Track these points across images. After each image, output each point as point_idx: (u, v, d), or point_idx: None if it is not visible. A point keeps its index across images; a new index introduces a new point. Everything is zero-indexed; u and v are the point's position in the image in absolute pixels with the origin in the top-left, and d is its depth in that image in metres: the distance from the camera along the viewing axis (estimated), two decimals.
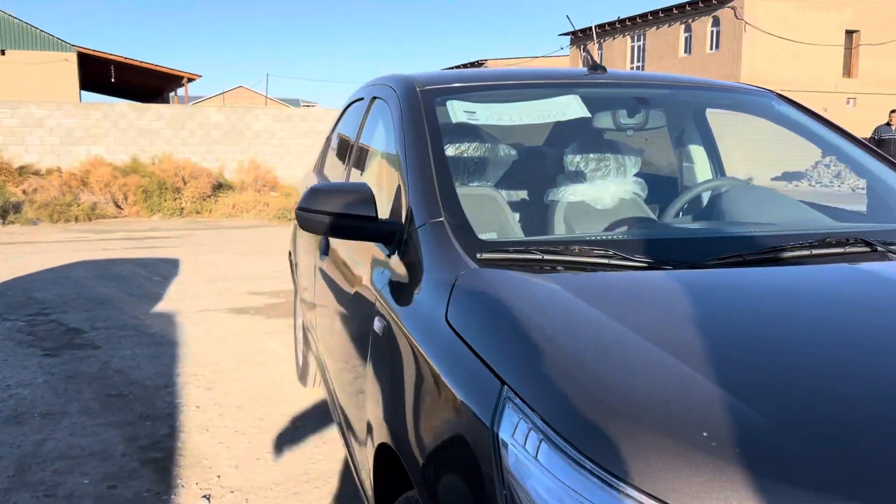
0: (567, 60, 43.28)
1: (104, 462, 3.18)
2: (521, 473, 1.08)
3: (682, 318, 1.35)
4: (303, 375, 4.05)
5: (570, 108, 2.37)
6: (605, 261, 1.64)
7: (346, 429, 2.34)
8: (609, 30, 38.27)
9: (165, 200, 13.44)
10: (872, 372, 1.20)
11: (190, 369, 4.46)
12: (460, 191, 2.47)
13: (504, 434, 1.14)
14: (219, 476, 3.08)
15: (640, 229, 2.24)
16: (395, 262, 1.89)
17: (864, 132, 28.89)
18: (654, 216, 2.68)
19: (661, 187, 3.07)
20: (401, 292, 1.76)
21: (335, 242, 2.61)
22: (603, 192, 2.63)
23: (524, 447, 1.10)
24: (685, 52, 34.04)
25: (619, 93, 2.67)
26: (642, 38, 36.54)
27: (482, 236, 1.81)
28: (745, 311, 1.41)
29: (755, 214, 2.29)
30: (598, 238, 1.86)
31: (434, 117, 2.22)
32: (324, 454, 3.30)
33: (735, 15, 31.15)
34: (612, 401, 1.10)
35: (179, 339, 5.11)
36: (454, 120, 2.28)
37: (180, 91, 33.28)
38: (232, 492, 2.95)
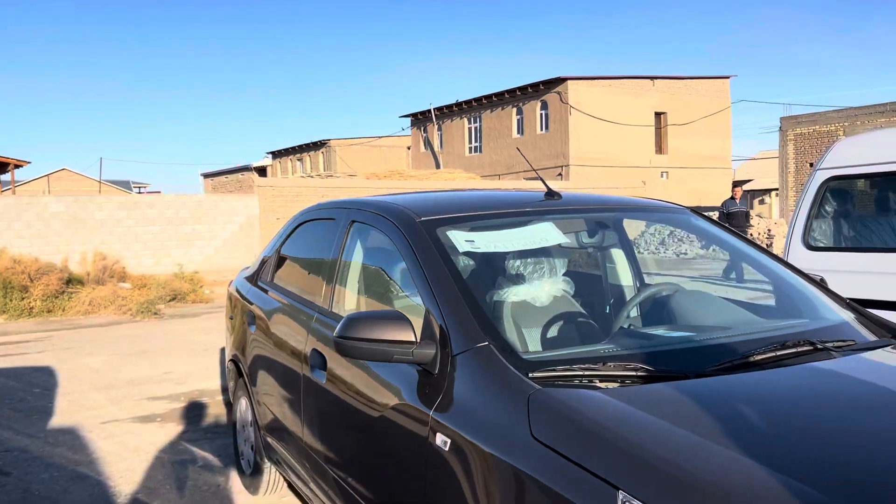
0: (408, 140, 44.90)
1: None
2: None
3: (724, 420, 1.75)
4: (254, 485, 4.08)
5: (550, 234, 2.79)
6: (633, 373, 2.02)
7: None
8: (447, 112, 40.30)
9: (11, 300, 12.48)
10: (877, 443, 1.65)
11: (124, 488, 4.32)
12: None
13: None
14: None
15: (643, 341, 2.58)
16: (441, 383, 2.15)
17: (678, 202, 32.18)
18: (581, 310, 3.12)
19: (585, 284, 3.55)
20: (462, 411, 2.03)
21: (336, 361, 2.79)
22: (539, 291, 3.05)
23: None
24: (518, 133, 36.50)
25: (580, 217, 3.12)
26: (479, 119, 38.79)
27: (526, 356, 2.13)
28: (773, 408, 1.84)
29: (705, 318, 2.78)
30: (620, 353, 2.23)
31: (442, 246, 2.54)
32: None
33: (560, 99, 34.00)
34: (713, 494, 1.46)
35: (96, 456, 4.90)
36: (460, 249, 2.61)
37: (4, 177, 30.96)
38: None
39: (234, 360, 4.30)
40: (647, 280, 3.75)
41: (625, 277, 3.73)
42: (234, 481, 4.36)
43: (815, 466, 1.56)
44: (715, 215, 17.54)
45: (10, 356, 8.80)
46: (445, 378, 2.16)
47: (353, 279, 3.07)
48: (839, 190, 5.20)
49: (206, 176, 59.13)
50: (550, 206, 3.02)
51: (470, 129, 39.53)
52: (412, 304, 2.70)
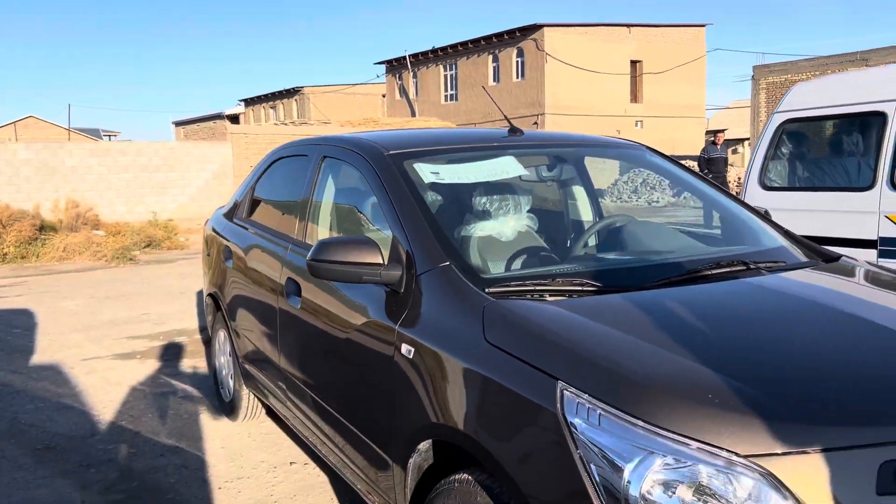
0: (383, 87, 44.45)
1: None
2: (593, 438, 1.62)
3: (658, 324, 1.96)
4: (233, 411, 4.29)
5: (510, 166, 2.96)
6: (580, 288, 2.22)
7: (343, 443, 2.73)
8: (423, 59, 39.88)
9: None
10: (800, 344, 1.87)
11: (105, 416, 4.51)
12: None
13: (569, 414, 1.67)
14: None
15: (594, 262, 2.82)
16: (406, 300, 2.35)
17: None
18: (544, 244, 3.31)
19: (549, 220, 3.74)
20: (424, 323, 2.23)
21: (310, 287, 2.98)
22: (504, 227, 3.23)
23: (587, 419, 1.64)
24: (494, 80, 36.30)
25: (540, 152, 3.29)
26: (454, 67, 38.47)
27: (485, 275, 2.32)
28: (699, 314, 2.05)
29: (653, 244, 3.00)
30: (571, 270, 2.43)
31: (409, 177, 2.71)
32: (280, 477, 3.61)
33: (536, 46, 33.81)
34: (643, 381, 1.67)
35: (79, 390, 5.08)
36: (425, 180, 2.78)
37: None
38: None
39: (213, 296, 4.46)
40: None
41: (585, 213, 3.93)
42: (214, 410, 4.56)
43: (732, 359, 1.78)
44: (694, 165, 17.79)
45: None
46: (410, 296, 2.35)
47: (325, 213, 3.23)
48: (794, 132, 5.41)
49: (177, 124, 58.19)
50: (513, 141, 3.19)
51: (445, 76, 39.23)
52: (382, 235, 2.87)
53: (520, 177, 3.17)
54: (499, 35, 35.23)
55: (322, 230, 3.21)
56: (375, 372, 2.44)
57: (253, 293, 3.66)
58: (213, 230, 4.62)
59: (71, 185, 17.84)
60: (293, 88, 48.53)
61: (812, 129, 5.47)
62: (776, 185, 5.41)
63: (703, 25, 38.45)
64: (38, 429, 4.30)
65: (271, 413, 4.24)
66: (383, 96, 45.22)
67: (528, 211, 3.42)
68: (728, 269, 2.40)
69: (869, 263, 2.77)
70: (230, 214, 4.42)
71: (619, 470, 1.57)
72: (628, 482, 1.55)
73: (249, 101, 55.09)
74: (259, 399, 4.03)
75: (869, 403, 1.63)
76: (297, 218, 3.35)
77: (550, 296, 2.20)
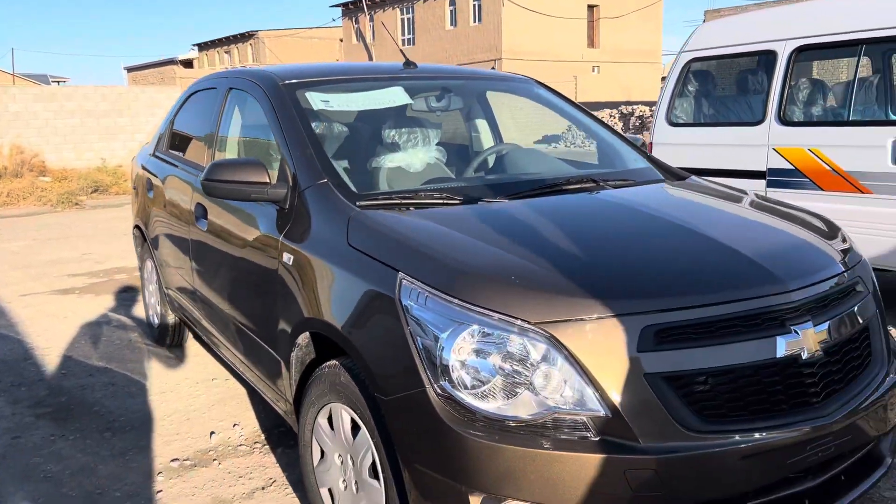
0: (340, 31, 43.77)
1: None
2: (419, 315, 1.92)
3: (498, 225, 2.27)
4: (161, 337, 4.55)
5: (397, 96, 3.20)
6: (442, 201, 2.51)
7: (246, 349, 3.02)
8: (379, 2, 39.29)
9: None
10: (601, 238, 2.20)
11: (41, 342, 4.74)
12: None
13: (404, 298, 1.97)
14: (113, 417, 3.58)
15: (465, 181, 3.13)
16: (290, 215, 2.61)
17: (608, 96, 32.69)
18: (452, 175, 3.59)
19: (456, 152, 4.01)
20: (302, 233, 2.50)
21: (214, 210, 3.23)
22: (413, 158, 3.50)
23: (417, 301, 1.94)
24: (451, 24, 36.02)
25: (429, 84, 3.53)
26: (411, 10, 38.02)
27: (359, 191, 2.59)
28: (533, 218, 2.36)
29: (528, 168, 3.30)
30: (435, 188, 2.72)
31: (299, 105, 2.94)
32: (201, 391, 3.90)
33: None
34: (462, 269, 1.97)
35: (16, 321, 5.28)
36: (314, 107, 3.01)
37: None
38: (129, 430, 3.48)
39: (138, 227, 4.67)
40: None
41: (487, 144, 4.21)
42: (145, 336, 4.82)
43: (541, 249, 2.08)
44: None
45: None
46: (293, 211, 2.61)
47: (231, 141, 3.46)
48: (699, 71, 5.72)
49: (129, 70, 56.66)
50: (406, 73, 3.42)
51: (402, 20, 38.77)
52: (278, 159, 3.12)
53: (409, 106, 3.42)
54: None
55: (228, 157, 3.44)
56: (265, 281, 2.71)
57: (170, 221, 3.89)
58: (139, 164, 4.80)
59: (15, 130, 17.48)
60: (248, 32, 47.52)
61: (715, 67, 5.78)
62: (681, 121, 5.73)
63: None
64: None
65: (199, 337, 4.50)
66: (340, 41, 44.57)
67: (438, 144, 3.69)
68: (578, 185, 2.72)
69: (714, 183, 3.10)
70: (153, 149, 4.60)
71: (437, 339, 1.88)
72: (442, 348, 1.86)
73: (203, 46, 53.80)
74: (184, 323, 4.29)
75: (635, 281, 1.96)
76: (206, 147, 3.57)
77: (415, 208, 2.48)
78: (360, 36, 41.08)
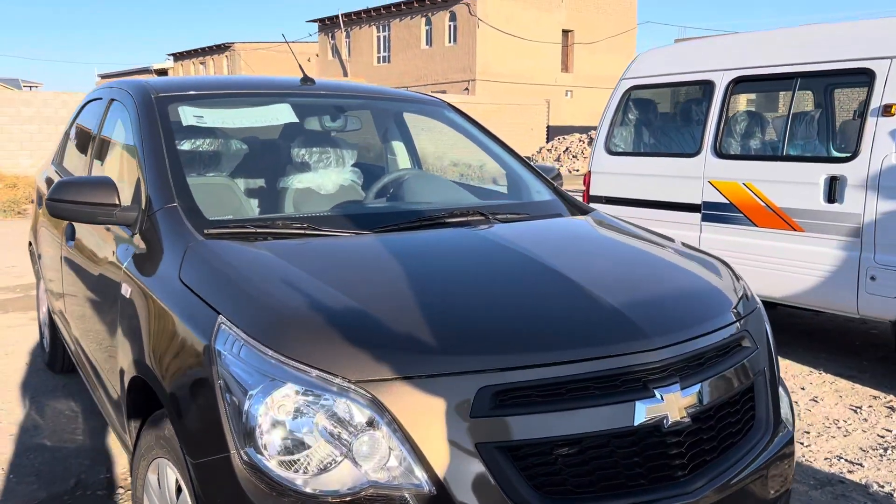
0: (316, 47, 43.61)
1: None
2: (231, 366, 1.67)
3: (344, 263, 2.03)
4: (52, 362, 4.24)
5: (282, 113, 2.97)
6: (300, 231, 2.27)
7: (99, 385, 2.74)
8: (356, 19, 39.23)
9: None
10: (454, 282, 1.96)
11: None
12: (198, 180, 2.98)
13: (218, 346, 1.72)
14: None
15: (335, 209, 2.89)
16: (137, 240, 2.36)
17: (581, 121, 32.83)
18: (362, 196, 3.36)
19: (373, 175, 3.79)
20: (143, 263, 2.25)
21: (81, 229, 2.97)
22: (325, 179, 3.26)
23: (231, 350, 1.69)
24: (426, 44, 36.00)
25: (324, 102, 3.30)
26: (388, 28, 37.97)
27: (210, 217, 2.34)
28: (390, 255, 2.12)
29: (424, 195, 3.08)
30: (296, 216, 2.48)
31: (167, 120, 2.69)
32: (77, 427, 3.60)
33: (469, 11, 33.60)
34: (282, 314, 1.73)
35: None
36: (184, 123, 2.77)
37: None
38: None
39: (31, 243, 4.37)
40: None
41: (404, 166, 3.99)
42: (37, 361, 4.50)
43: (379, 295, 1.84)
44: None
45: None
46: (143, 237, 2.36)
47: (104, 155, 3.20)
48: (638, 99, 5.56)
49: (103, 77, 56.03)
50: (299, 89, 3.19)
51: (379, 37, 38.70)
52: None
53: (300, 124, 3.20)
54: None
55: (101, 173, 3.17)
56: (108, 312, 2.45)
57: (50, 239, 3.61)
58: (41, 177, 4.51)
59: None
60: (224, 44, 47.19)
61: (654, 96, 5.63)
62: (620, 150, 5.57)
63: None
64: None
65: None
66: (316, 56, 44.38)
67: (354, 165, 3.45)
68: (463, 218, 2.49)
69: (617, 220, 2.89)
70: (51, 160, 4.32)
71: (245, 395, 1.63)
72: (249, 408, 1.61)
73: (179, 56, 53.35)
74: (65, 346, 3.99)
75: (476, 334, 1.72)
76: (85, 161, 3.31)
77: (272, 238, 2.24)
78: (336, 52, 40.94)
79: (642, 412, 1.68)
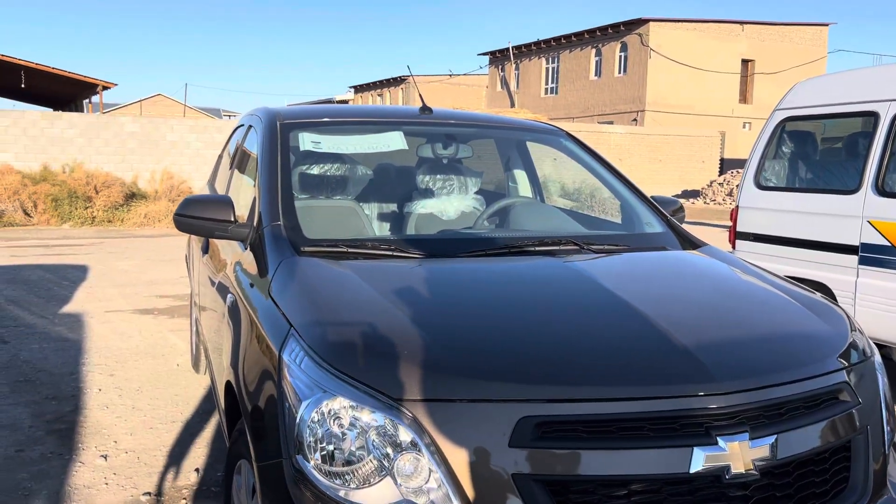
0: (486, 79, 44.62)
1: (13, 433, 3.69)
2: (292, 375, 1.76)
3: (416, 286, 2.07)
4: (196, 363, 4.63)
5: (393, 141, 3.08)
6: (388, 252, 2.35)
7: (214, 389, 2.96)
8: (525, 51, 39.73)
9: (76, 209, 13.59)
10: (529, 313, 1.94)
11: (94, 359, 4.96)
12: (323, 203, 3.17)
13: (285, 355, 1.82)
14: (115, 441, 3.63)
15: (426, 233, 2.96)
16: (246, 254, 2.54)
17: None
18: (491, 227, 3.41)
19: (492, 201, 3.83)
20: (246, 275, 2.42)
21: (213, 244, 3.24)
22: (447, 206, 3.35)
23: (294, 361, 1.78)
24: (595, 75, 35.71)
25: (438, 130, 3.39)
26: (556, 60, 38.11)
27: (311, 236, 2.48)
28: (465, 280, 2.15)
29: (530, 223, 3.07)
30: (388, 238, 2.56)
31: (287, 145, 2.89)
32: (209, 424, 3.89)
33: (641, 42, 32.96)
34: (342, 330, 1.79)
35: (85, 336, 5.58)
36: (301, 148, 2.96)
37: (94, 98, 32.73)
38: (126, 452, 3.51)
39: (186, 256, 4.81)
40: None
41: (525, 194, 4.00)
42: (188, 363, 4.92)
43: (439, 319, 1.85)
44: None
45: (61, 255, 9.75)
46: (253, 251, 2.54)
47: (239, 176, 3.47)
48: (793, 131, 5.20)
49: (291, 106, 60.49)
50: (415, 118, 3.31)
51: (547, 69, 38.92)
52: None
53: (438, 154, 3.32)
54: (603, 29, 34.59)
55: (234, 194, 3.45)
56: (220, 319, 2.65)
57: (195, 253, 3.96)
58: None
59: (171, 158, 18.96)
60: (399, 77, 49.49)
61: (810, 128, 5.23)
62: (771, 184, 5.21)
63: (825, 24, 36.32)
64: (30, 365, 4.79)
65: None
66: (487, 87, 45.38)
67: (477, 192, 3.54)
68: (552, 247, 2.46)
69: (730, 256, 2.71)
70: (208, 180, 4.75)
71: (299, 404, 1.70)
72: (302, 417, 1.68)
73: (359, 88, 56.60)
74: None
75: (524, 362, 1.68)
76: (227, 182, 3.61)
77: (363, 258, 2.34)
78: (505, 83, 41.64)
79: (700, 459, 1.57)
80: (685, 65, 33.02)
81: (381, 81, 52.55)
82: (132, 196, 14.89)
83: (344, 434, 1.64)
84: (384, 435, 1.61)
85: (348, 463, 1.62)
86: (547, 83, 38.97)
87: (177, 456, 3.49)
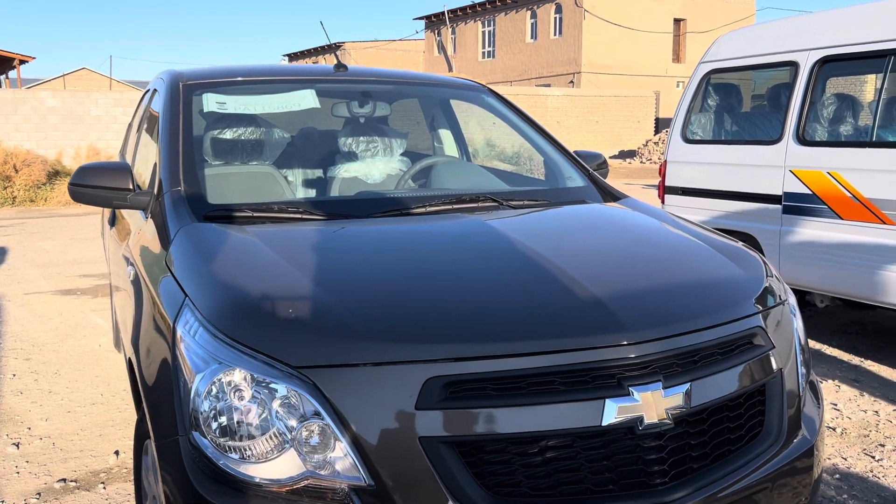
0: (423, 44, 44.10)
1: None
2: (186, 348, 1.65)
3: (322, 248, 1.97)
4: (116, 342, 4.44)
5: (304, 100, 2.94)
6: (297, 216, 2.23)
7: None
8: (461, 15, 39.32)
9: None
10: (436, 271, 1.86)
11: (9, 344, 4.71)
12: (239, 169, 3.01)
13: (179, 327, 1.70)
14: (29, 428, 3.46)
15: (336, 194, 2.86)
16: (147, 224, 2.39)
17: None
18: (415, 187, 3.30)
19: (418, 163, 3.73)
20: (146, 246, 2.28)
21: (119, 214, 3.07)
22: (372, 169, 3.23)
23: (189, 332, 1.67)
24: (531, 37, 35.62)
25: (353, 88, 3.26)
26: (492, 23, 37.84)
27: (215, 201, 2.35)
28: (366, 242, 2.05)
29: (452, 182, 2.98)
30: (296, 200, 2.44)
31: (189, 107, 2.72)
32: (129, 404, 3.74)
33: (575, 3, 32.95)
34: (238, 298, 1.68)
35: (2, 319, 5.30)
36: (205, 109, 2.80)
37: (12, 74, 31.18)
38: (40, 438, 3.34)
39: (102, 233, 4.59)
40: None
41: (451, 154, 3.91)
42: (111, 343, 4.73)
43: (339, 282, 1.76)
44: None
45: None
46: (153, 220, 2.39)
47: (142, 143, 3.29)
48: (719, 83, 5.22)
49: None
50: (332, 76, 3.17)
51: (484, 32, 38.64)
52: None
53: (331, 112, 3.17)
54: None
55: (143, 160, 3.27)
56: (126, 294, 2.50)
57: (105, 226, 3.76)
58: None
59: (96, 133, 18.21)
60: (335, 44, 48.52)
61: (734, 80, 5.26)
62: (697, 137, 5.24)
63: None
64: None
65: None
66: (424, 53, 44.87)
67: (402, 154, 3.42)
68: (470, 204, 2.39)
69: (649, 206, 2.68)
70: (119, 152, 4.51)
71: (194, 377, 1.59)
72: (197, 391, 1.58)
73: (293, 57, 55.31)
74: None
75: (429, 322, 1.61)
76: (131, 150, 3.42)
77: (270, 223, 2.22)
78: (442, 48, 41.22)
79: (613, 411, 1.53)
80: (619, 25, 33.18)
81: (315, 49, 51.46)
82: (56, 174, 14.25)
83: (241, 407, 1.54)
84: (285, 405, 1.51)
85: (248, 437, 1.53)
86: (484, 47, 38.73)
87: (95, 439, 3.34)
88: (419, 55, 46.07)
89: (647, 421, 1.54)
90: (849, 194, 4.20)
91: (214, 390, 1.55)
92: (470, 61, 38.94)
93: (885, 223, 4.05)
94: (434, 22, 41.70)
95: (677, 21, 35.48)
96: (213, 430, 1.55)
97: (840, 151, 4.31)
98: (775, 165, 4.58)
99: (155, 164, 2.57)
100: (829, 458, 3.15)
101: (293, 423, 1.51)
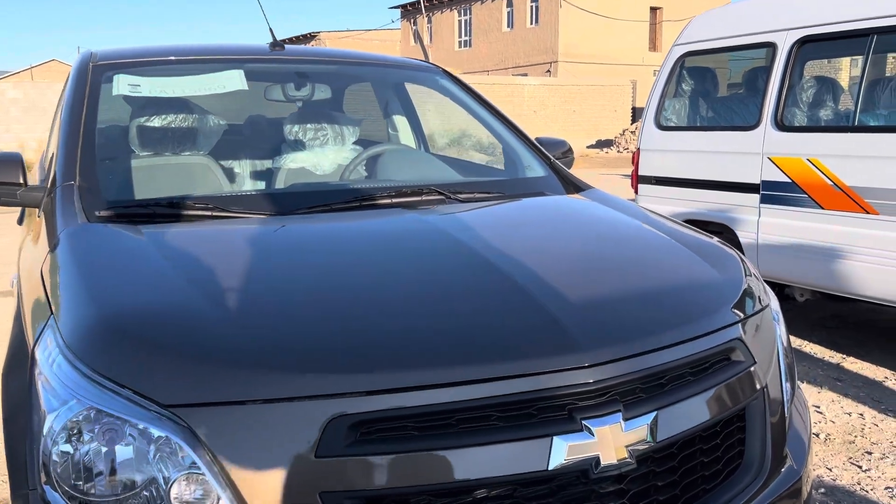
0: (398, 34, 43.63)
1: None
2: (40, 379, 1.34)
3: (225, 254, 1.67)
4: None
5: (231, 81, 2.62)
6: (204, 213, 1.93)
7: None
8: (437, 3, 38.90)
9: None
10: (357, 284, 1.56)
11: None
12: (169, 160, 2.69)
13: (38, 352, 1.40)
14: None
15: (280, 186, 2.56)
16: (39, 223, 2.08)
17: None
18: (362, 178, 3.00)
19: (364, 151, 3.43)
20: (30, 249, 1.97)
21: (26, 213, 2.74)
22: (322, 158, 2.92)
23: (47, 360, 1.36)
24: (508, 26, 35.31)
25: (288, 68, 2.95)
26: (469, 12, 37.47)
27: (115, 197, 2.04)
28: (278, 246, 1.75)
29: (399, 174, 2.68)
30: (209, 195, 2.14)
31: (95, 91, 2.40)
32: None
33: None
34: (108, 320, 1.37)
35: None
36: (115, 93, 2.47)
37: None
38: None
39: None
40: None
41: (407, 142, 3.61)
42: None
43: (224, 297, 1.44)
44: None
45: None
46: (46, 219, 2.08)
47: (54, 134, 2.96)
48: (694, 67, 4.96)
49: None
50: (265, 55, 2.86)
51: (460, 21, 38.26)
52: None
53: (264, 95, 2.86)
54: None
55: (47, 153, 2.94)
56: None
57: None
58: None
59: None
60: (309, 34, 47.88)
61: (710, 63, 5.00)
62: (672, 124, 4.98)
63: None
64: None
65: None
66: (400, 42, 44.41)
67: (356, 143, 3.12)
68: (412, 198, 2.10)
69: (613, 199, 2.40)
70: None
71: (45, 418, 1.29)
72: (47, 435, 1.27)
73: None
74: None
75: (334, 348, 1.31)
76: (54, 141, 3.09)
77: (176, 221, 1.91)
78: (418, 37, 40.78)
79: (562, 451, 1.25)
80: (596, 14, 32.95)
81: (290, 39, 50.76)
82: None
83: (101, 455, 1.24)
84: (155, 454, 1.22)
85: (109, 494, 1.23)
86: (460, 36, 38.37)
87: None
88: (395, 45, 45.59)
89: (603, 462, 1.27)
90: (830, 182, 3.96)
91: (69, 435, 1.25)
92: (446, 51, 38.55)
93: (867, 212, 3.81)
94: (410, 11, 41.23)
95: (654, 9, 35.34)
96: (67, 484, 1.24)
97: (820, 137, 4.06)
98: (753, 152, 4.33)
99: (52, 154, 2.25)
100: (813, 469, 2.90)
101: (165, 473, 1.21)
